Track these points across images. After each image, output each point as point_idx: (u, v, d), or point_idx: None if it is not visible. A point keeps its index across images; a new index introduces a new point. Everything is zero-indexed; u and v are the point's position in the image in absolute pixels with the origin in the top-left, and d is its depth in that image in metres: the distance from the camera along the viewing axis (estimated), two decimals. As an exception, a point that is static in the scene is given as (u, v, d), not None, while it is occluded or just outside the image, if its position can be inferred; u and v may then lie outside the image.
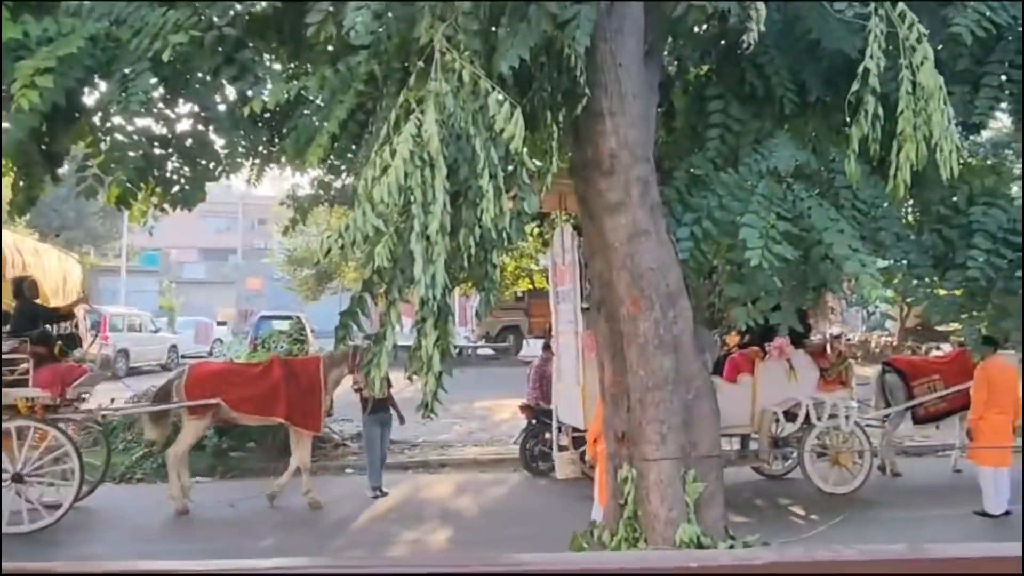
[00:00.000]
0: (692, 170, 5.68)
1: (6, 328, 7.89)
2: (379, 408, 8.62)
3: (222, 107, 5.84)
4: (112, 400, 9.13)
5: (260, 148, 6.47)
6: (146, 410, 8.38)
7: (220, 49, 5.27)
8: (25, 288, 8.26)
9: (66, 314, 8.52)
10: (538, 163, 4.36)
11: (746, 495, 8.56)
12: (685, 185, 5.58)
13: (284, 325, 15.60)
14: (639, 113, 5.08)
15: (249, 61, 5.41)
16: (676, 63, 6.93)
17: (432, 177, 3.48)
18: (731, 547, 4.90)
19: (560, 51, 4.42)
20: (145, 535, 7.51)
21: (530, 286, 22.96)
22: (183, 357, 25.22)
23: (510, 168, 4.02)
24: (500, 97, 3.81)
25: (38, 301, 8.43)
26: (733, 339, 9.47)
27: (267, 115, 6.05)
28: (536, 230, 12.14)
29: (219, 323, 31.99)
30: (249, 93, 5.37)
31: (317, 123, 5.33)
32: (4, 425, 7.21)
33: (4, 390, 7.31)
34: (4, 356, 7.39)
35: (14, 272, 9.82)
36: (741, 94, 5.97)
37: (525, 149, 3.95)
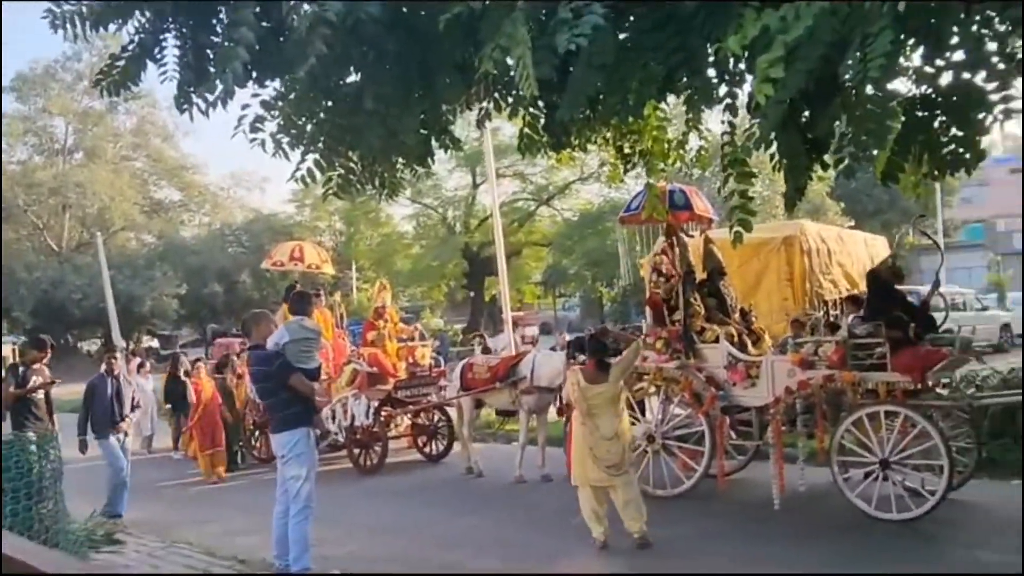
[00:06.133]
0: None
1: (860, 313, 8.07)
2: None
3: (993, 45, 4.93)
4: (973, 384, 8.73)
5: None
6: (1015, 400, 7.62)
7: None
8: (883, 272, 8.28)
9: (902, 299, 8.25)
10: None
11: None
12: None
13: None
14: None
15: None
16: None
17: None
18: None
19: None
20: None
21: None
22: (1019, 336, 23.02)
23: None
24: None
25: (897, 286, 8.31)
26: None
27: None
28: None
29: (1063, 296, 28.27)
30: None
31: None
32: (869, 409, 7.40)
33: (863, 374, 7.48)
34: (862, 341, 7.55)
35: (809, 261, 10.39)
36: None
37: None
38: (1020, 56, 4.91)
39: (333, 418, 11.10)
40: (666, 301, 8.68)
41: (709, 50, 5.47)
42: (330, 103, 6.28)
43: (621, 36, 5.64)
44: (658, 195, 7.73)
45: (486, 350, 14.30)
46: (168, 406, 14.02)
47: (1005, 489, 8.17)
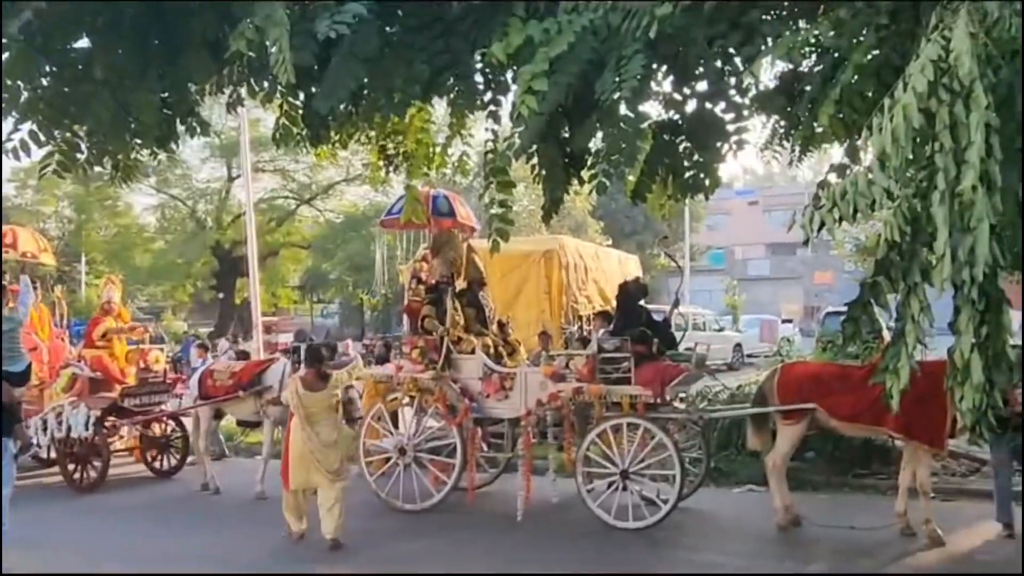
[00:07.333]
0: None
1: (609, 328, 8.26)
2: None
3: (732, 79, 5.29)
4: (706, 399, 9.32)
5: (777, 120, 5.73)
6: (739, 414, 8.06)
7: (722, 16, 4.73)
8: (631, 287, 8.53)
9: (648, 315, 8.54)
10: None
11: None
12: None
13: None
14: None
15: (756, 22, 4.79)
16: None
17: (966, 113, 2.41)
18: None
19: None
20: (738, 543, 7.28)
21: None
22: (748, 356, 25.26)
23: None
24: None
25: (642, 303, 8.54)
26: None
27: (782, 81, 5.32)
28: None
29: (784, 320, 31.52)
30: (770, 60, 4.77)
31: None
32: (613, 422, 7.59)
33: (610, 387, 7.65)
34: (610, 355, 7.71)
35: (567, 276, 10.70)
36: None
37: None
38: (753, 92, 5.33)
39: (45, 428, 9.82)
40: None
41: (476, 56, 5.43)
42: (53, 68, 5.56)
43: (388, 30, 5.46)
44: (418, 198, 7.58)
45: (241, 355, 13.44)
46: None
47: (729, 496, 8.85)
